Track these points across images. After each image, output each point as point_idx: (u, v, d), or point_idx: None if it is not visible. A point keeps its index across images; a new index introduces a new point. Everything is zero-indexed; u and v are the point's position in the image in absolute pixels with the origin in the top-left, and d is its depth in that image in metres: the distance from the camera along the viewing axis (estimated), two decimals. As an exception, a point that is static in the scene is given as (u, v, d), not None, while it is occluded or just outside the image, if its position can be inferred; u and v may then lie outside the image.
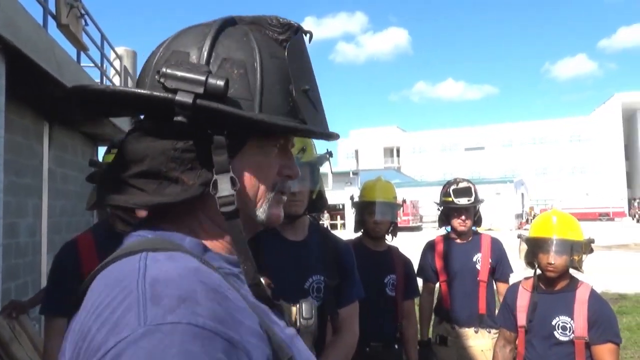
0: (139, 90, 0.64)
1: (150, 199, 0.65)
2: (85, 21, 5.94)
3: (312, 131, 0.72)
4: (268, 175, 0.72)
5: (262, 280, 0.81)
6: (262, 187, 0.72)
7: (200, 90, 0.62)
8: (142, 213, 1.75)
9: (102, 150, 8.09)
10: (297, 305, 0.79)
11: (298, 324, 0.78)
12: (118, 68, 8.86)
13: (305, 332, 0.78)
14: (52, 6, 5.06)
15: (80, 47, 6.01)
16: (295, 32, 0.74)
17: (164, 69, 0.63)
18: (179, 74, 0.63)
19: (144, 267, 0.58)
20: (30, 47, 3.92)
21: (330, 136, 0.76)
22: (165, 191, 0.65)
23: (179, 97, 0.62)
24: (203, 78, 0.62)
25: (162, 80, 0.63)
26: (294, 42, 0.72)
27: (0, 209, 3.68)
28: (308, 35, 0.76)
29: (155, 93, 0.63)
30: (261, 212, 0.72)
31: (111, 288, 0.57)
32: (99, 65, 7.36)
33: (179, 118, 0.62)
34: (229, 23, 0.71)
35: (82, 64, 6.25)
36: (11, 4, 3.65)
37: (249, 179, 0.70)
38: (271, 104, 0.68)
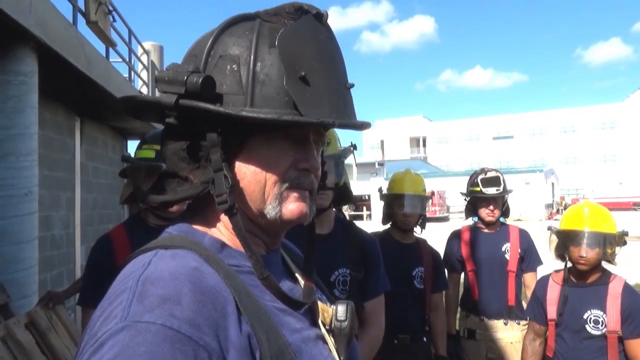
0: (145, 98, 0.68)
1: (167, 197, 0.70)
2: (113, 17, 6.05)
3: (305, 122, 0.66)
4: (276, 169, 0.69)
5: (302, 280, 0.81)
6: (269, 182, 0.69)
7: (182, 90, 0.64)
8: (173, 208, 1.79)
9: (131, 144, 8.26)
10: (333, 307, 0.78)
11: (332, 325, 0.77)
12: (145, 63, 9.00)
13: (339, 335, 0.77)
14: (81, 4, 5.17)
15: (109, 43, 6.13)
16: (312, 15, 0.71)
17: (156, 74, 0.68)
18: (166, 77, 0.65)
19: (147, 265, 0.61)
20: (61, 45, 4.02)
21: (347, 125, 0.70)
22: (178, 189, 0.70)
23: (163, 99, 0.64)
24: (183, 79, 0.64)
25: (157, 85, 0.67)
26: (290, 28, 0.68)
27: (36, 203, 3.81)
28: (324, 16, 0.72)
29: (146, 98, 0.68)
30: (271, 209, 0.70)
31: (117, 283, 0.61)
32: (127, 60, 7.48)
33: (170, 120, 0.66)
34: (238, 20, 0.71)
35: (110, 60, 6.38)
36: (42, 4, 3.74)
37: (254, 174, 0.69)
38: (266, 97, 0.66)
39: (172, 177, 0.71)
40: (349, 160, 1.93)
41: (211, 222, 0.72)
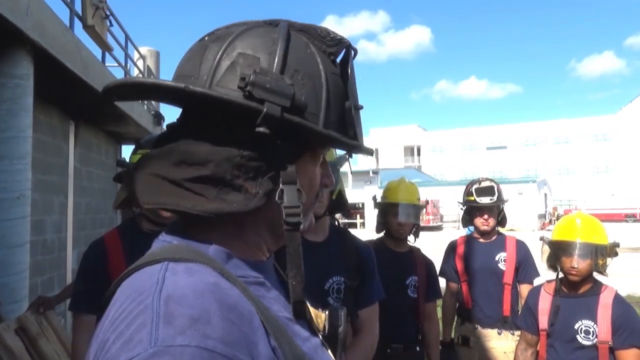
0: (226, 97, 0.62)
1: (215, 206, 0.63)
2: (110, 22, 6.06)
3: (363, 148, 0.73)
4: (316, 185, 0.74)
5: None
6: (311, 197, 0.73)
7: (287, 103, 0.63)
8: (167, 213, 1.75)
9: (125, 149, 8.23)
10: (326, 312, 0.78)
11: (326, 331, 0.77)
12: (142, 68, 9.00)
13: (335, 341, 0.77)
14: (78, 8, 5.17)
15: (105, 48, 6.13)
16: (345, 48, 0.74)
17: (252, 77, 0.61)
18: (268, 85, 0.62)
19: (162, 281, 0.57)
20: (57, 49, 4.02)
21: (370, 152, 0.78)
22: (227, 198, 0.63)
23: (268, 109, 0.61)
24: (291, 92, 0.63)
25: (249, 88, 0.61)
26: (349, 59, 0.73)
27: (28, 207, 3.79)
28: (353, 52, 0.76)
29: (245, 102, 0.62)
30: (305, 221, 0.70)
31: (130, 300, 0.56)
32: (123, 65, 7.49)
33: (262, 129, 0.61)
34: (289, 29, 0.70)
35: (106, 64, 6.38)
36: (39, 7, 3.74)
37: (302, 189, 0.69)
38: (330, 119, 0.69)
39: (211, 183, 0.63)
40: (345, 168, 1.94)
41: (217, 231, 0.67)
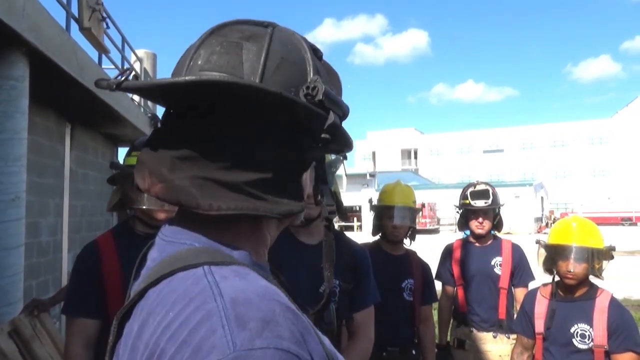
0: (303, 101, 0.64)
1: (275, 207, 0.64)
2: (107, 24, 6.04)
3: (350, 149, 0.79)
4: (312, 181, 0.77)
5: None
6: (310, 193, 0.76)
7: (341, 113, 0.69)
8: (162, 215, 1.73)
9: (122, 151, 8.22)
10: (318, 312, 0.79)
11: (322, 329, 0.78)
12: (138, 70, 8.99)
13: (330, 338, 0.77)
14: (74, 10, 5.16)
15: (102, 50, 6.12)
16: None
17: (324, 87, 0.65)
18: (332, 95, 0.66)
19: (215, 285, 0.56)
20: (53, 50, 4.01)
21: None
22: (281, 200, 0.65)
23: (335, 119, 0.67)
24: (344, 104, 0.70)
25: (320, 97, 0.64)
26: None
27: (23, 209, 3.76)
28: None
29: (318, 110, 0.65)
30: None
31: (182, 306, 0.55)
32: (120, 67, 7.47)
33: (326, 135, 0.67)
34: (302, 38, 0.74)
35: (103, 67, 6.36)
36: (35, 8, 3.73)
37: (308, 187, 0.74)
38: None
39: (270, 186, 0.65)
40: (340, 171, 1.93)
41: (230, 230, 0.66)
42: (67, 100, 5.30)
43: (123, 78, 0.62)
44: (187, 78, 0.58)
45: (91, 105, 5.50)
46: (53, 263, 5.66)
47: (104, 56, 6.40)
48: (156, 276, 0.61)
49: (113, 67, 7.23)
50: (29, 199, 4.18)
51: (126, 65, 8.03)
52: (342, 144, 0.74)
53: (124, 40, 7.57)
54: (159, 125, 0.71)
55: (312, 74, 0.67)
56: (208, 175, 0.62)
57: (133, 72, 0.64)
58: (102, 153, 7.33)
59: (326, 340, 0.66)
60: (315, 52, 0.73)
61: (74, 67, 4.49)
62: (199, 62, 0.65)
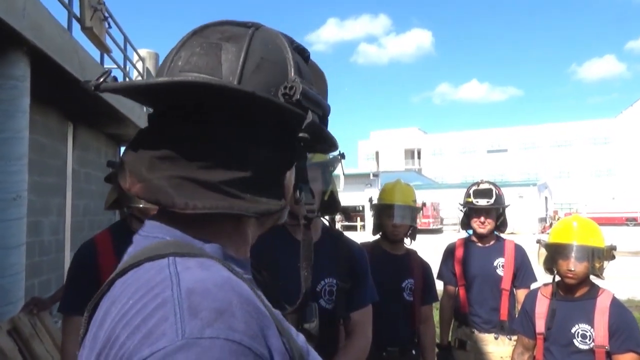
0: (279, 101, 0.65)
1: (252, 206, 0.65)
2: (109, 24, 6.06)
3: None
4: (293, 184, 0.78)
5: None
6: (291, 195, 0.76)
7: (321, 112, 0.70)
8: (153, 212, 1.74)
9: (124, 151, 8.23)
10: (299, 311, 0.79)
11: (300, 328, 0.78)
12: (141, 70, 9.00)
13: (309, 336, 0.77)
14: (76, 9, 5.17)
15: (104, 50, 6.13)
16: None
17: (302, 86, 0.65)
18: (311, 95, 0.68)
19: (175, 275, 0.56)
20: (55, 50, 4.01)
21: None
22: (261, 199, 0.66)
23: (313, 118, 0.67)
24: (325, 103, 0.70)
25: (298, 96, 0.65)
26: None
27: (24, 208, 3.77)
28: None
29: (296, 110, 0.66)
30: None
31: (141, 295, 0.55)
32: (122, 67, 7.48)
33: (305, 135, 0.67)
34: (284, 36, 0.74)
35: (105, 66, 6.37)
36: (36, 8, 3.73)
37: (290, 187, 0.74)
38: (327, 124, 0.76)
39: (250, 185, 0.65)
40: (338, 170, 1.92)
41: (208, 226, 0.66)
42: (69, 100, 5.32)
43: (102, 79, 0.63)
44: (161, 79, 0.59)
45: (93, 105, 5.52)
46: (55, 262, 5.68)
47: (105, 56, 6.41)
48: (124, 267, 0.62)
49: (115, 66, 7.24)
50: (31, 198, 4.19)
51: (128, 65, 8.05)
52: (326, 143, 0.75)
53: (126, 39, 7.59)
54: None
55: (292, 73, 0.68)
56: (186, 174, 0.62)
57: (112, 74, 0.65)
58: (104, 153, 7.34)
59: (300, 338, 0.66)
60: (302, 53, 0.74)
61: (76, 67, 4.50)
62: (179, 63, 0.66)
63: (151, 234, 0.67)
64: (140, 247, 0.66)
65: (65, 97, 5.17)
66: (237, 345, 0.51)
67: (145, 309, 0.53)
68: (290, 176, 0.72)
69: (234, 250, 0.68)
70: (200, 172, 0.62)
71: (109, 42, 6.31)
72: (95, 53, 5.96)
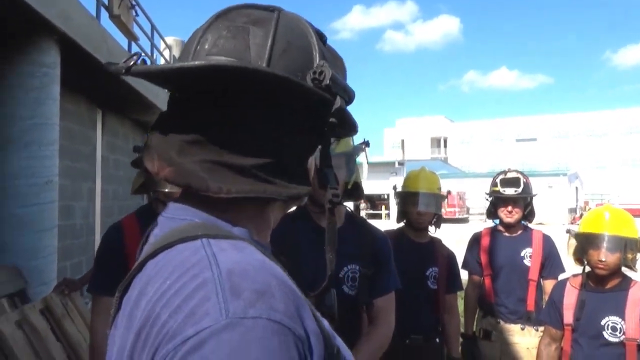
0: (310, 86, 0.65)
1: (283, 191, 0.65)
2: (136, 12, 6.12)
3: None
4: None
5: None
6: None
7: (347, 98, 0.70)
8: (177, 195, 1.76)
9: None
10: (318, 296, 0.79)
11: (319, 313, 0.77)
12: (168, 58, 9.09)
13: (330, 321, 0.77)
14: (104, -3, 5.24)
15: (131, 37, 6.20)
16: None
17: (331, 71, 0.65)
18: (339, 80, 0.68)
19: (212, 255, 0.57)
20: (83, 38, 4.08)
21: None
22: (289, 184, 0.66)
23: (341, 103, 0.68)
24: (351, 89, 0.71)
25: (327, 82, 0.65)
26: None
27: (56, 192, 3.87)
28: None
29: (326, 95, 0.66)
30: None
31: (178, 275, 0.56)
32: (149, 54, 7.57)
33: (334, 120, 0.68)
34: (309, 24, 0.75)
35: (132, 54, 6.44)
36: (66, -4, 3.79)
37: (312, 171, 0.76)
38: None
39: (279, 170, 0.66)
40: (362, 158, 1.90)
41: (233, 209, 0.66)
42: (98, 87, 5.41)
43: (132, 62, 0.62)
44: (195, 63, 0.59)
45: (121, 92, 5.60)
46: (86, 245, 5.83)
47: (133, 43, 6.48)
48: (155, 248, 0.62)
49: (143, 54, 7.32)
50: (63, 183, 4.31)
51: (155, 53, 8.13)
52: (348, 128, 0.75)
53: (153, 27, 7.66)
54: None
55: (318, 58, 0.68)
56: (217, 158, 0.63)
57: (142, 56, 0.64)
58: (132, 139, 7.47)
59: (325, 323, 0.66)
60: (320, 37, 0.74)
61: (104, 55, 4.57)
62: (206, 47, 0.66)
63: (177, 216, 0.67)
64: (166, 229, 0.66)
65: (94, 84, 5.26)
66: (278, 325, 0.52)
67: (185, 289, 0.54)
68: (312, 161, 0.73)
69: (256, 234, 0.69)
70: (231, 156, 0.63)
71: (136, 30, 6.38)
72: (123, 41, 6.04)
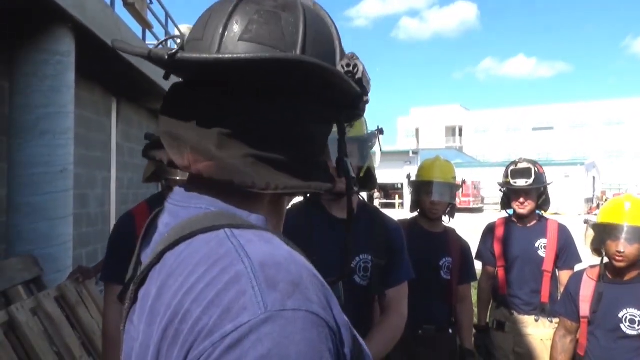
0: (350, 81, 0.65)
1: (322, 184, 0.66)
2: (150, 0, 6.11)
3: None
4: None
5: None
6: None
7: (367, 90, 0.68)
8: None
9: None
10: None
11: None
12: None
13: None
14: (118, -15, 5.23)
15: (145, 25, 6.20)
16: None
17: (361, 66, 0.66)
18: (367, 73, 0.67)
19: (241, 247, 0.55)
20: (98, 26, 4.08)
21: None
22: (314, 175, 0.66)
23: (368, 97, 0.69)
24: (369, 81, 0.69)
25: (360, 75, 0.66)
26: None
27: (71, 180, 3.90)
28: None
29: (356, 88, 0.66)
30: None
31: (206, 268, 0.54)
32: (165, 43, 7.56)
33: (361, 112, 0.71)
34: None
35: (147, 42, 6.46)
36: (79, -16, 3.79)
37: None
38: None
39: (303, 162, 0.64)
40: (375, 147, 1.87)
41: (250, 200, 0.64)
42: (113, 76, 5.43)
43: (176, 50, 0.58)
44: (252, 56, 0.57)
45: (135, 80, 5.61)
46: (101, 233, 5.89)
47: (147, 32, 6.49)
48: (174, 239, 0.60)
49: (157, 42, 7.33)
50: (78, 171, 4.34)
51: (170, 41, 8.13)
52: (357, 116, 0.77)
53: (167, 15, 7.65)
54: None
55: (339, 48, 0.67)
56: (258, 153, 0.61)
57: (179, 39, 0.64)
58: (147, 127, 7.51)
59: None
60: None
61: (118, 42, 4.57)
62: (236, 31, 0.61)
63: (191, 204, 0.64)
64: (180, 218, 0.63)
65: (109, 73, 5.28)
66: (316, 317, 0.51)
67: (216, 283, 0.52)
68: (346, 150, 0.74)
69: (271, 225, 0.66)
70: (270, 150, 0.61)
71: (150, 17, 6.38)
72: (137, 29, 6.05)
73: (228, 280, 0.52)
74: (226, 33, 0.62)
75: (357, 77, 0.65)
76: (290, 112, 0.63)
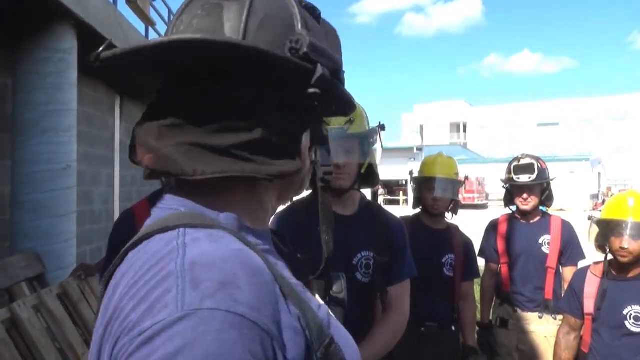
0: (286, 56, 0.61)
1: (264, 168, 0.62)
2: (153, -4, 6.10)
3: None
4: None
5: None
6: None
7: (332, 65, 0.64)
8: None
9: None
10: (326, 281, 0.77)
11: (328, 298, 0.76)
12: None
13: (336, 307, 0.75)
14: (120, -18, 5.23)
15: (148, 23, 6.20)
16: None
17: (309, 39, 0.61)
18: (320, 47, 0.63)
19: (182, 247, 0.55)
20: (100, 23, 4.08)
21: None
22: (275, 161, 0.63)
23: (323, 71, 0.62)
24: (334, 55, 0.65)
25: (305, 49, 0.60)
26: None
27: (74, 178, 3.91)
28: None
29: (303, 63, 0.61)
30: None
31: (148, 267, 0.55)
32: (166, 40, 7.56)
33: (315, 90, 0.62)
34: None
35: (149, 39, 6.45)
36: (81, -19, 3.78)
37: (307, 155, 0.72)
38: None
39: (259, 147, 0.62)
40: (377, 142, 1.85)
41: (223, 195, 0.65)
42: (116, 72, 5.42)
43: (101, 49, 0.61)
44: (155, 40, 0.57)
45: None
46: (105, 230, 5.91)
47: (150, 29, 6.49)
48: (136, 239, 0.61)
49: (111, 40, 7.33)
50: (81, 168, 4.35)
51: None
52: (342, 103, 0.71)
53: (170, 12, 7.64)
54: None
55: (299, 27, 0.64)
56: (194, 140, 0.60)
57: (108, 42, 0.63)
58: (150, 125, 7.52)
59: (322, 310, 0.64)
60: (312, 12, 0.70)
61: (121, 40, 4.56)
62: (181, 28, 0.64)
63: (166, 206, 0.66)
64: (155, 219, 0.65)
65: (111, 69, 5.28)
66: (240, 318, 0.49)
67: (151, 281, 0.53)
68: (307, 139, 0.69)
69: (250, 220, 0.66)
70: (209, 137, 0.60)
71: (153, 14, 6.38)
72: (140, 26, 6.04)
73: (159, 278, 0.52)
74: (174, 31, 0.65)
75: (301, 52, 0.60)
76: (228, 98, 0.61)
